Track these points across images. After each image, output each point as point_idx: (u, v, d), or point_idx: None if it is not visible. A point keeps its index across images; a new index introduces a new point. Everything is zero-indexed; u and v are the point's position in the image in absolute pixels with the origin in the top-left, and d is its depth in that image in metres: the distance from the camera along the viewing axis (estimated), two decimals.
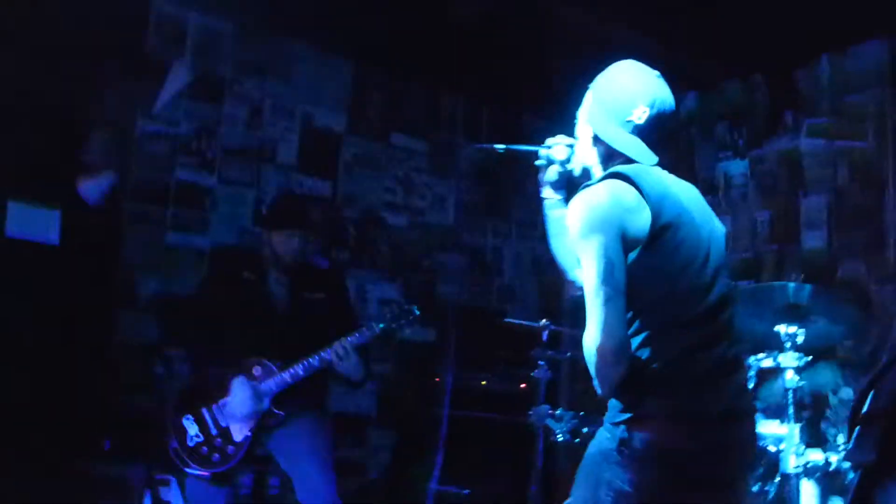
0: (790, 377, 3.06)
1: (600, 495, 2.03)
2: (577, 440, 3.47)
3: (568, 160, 2.44)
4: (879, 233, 4.57)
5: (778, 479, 3.03)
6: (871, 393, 2.13)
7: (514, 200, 5.47)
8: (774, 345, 3.16)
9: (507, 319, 4.15)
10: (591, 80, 2.33)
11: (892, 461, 2.03)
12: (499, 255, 5.56)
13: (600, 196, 2.09)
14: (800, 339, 3.13)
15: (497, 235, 5.57)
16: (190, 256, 4.62)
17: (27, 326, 3.87)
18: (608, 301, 1.99)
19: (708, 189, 5.22)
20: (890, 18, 4.27)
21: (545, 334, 3.97)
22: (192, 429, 3.46)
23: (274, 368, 3.50)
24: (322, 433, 3.58)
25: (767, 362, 3.19)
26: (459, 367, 4.29)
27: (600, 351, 1.98)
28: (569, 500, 2.11)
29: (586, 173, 2.35)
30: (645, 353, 2.05)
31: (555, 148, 2.47)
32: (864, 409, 2.12)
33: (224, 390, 3.47)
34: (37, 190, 4.11)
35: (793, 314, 3.23)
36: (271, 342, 3.54)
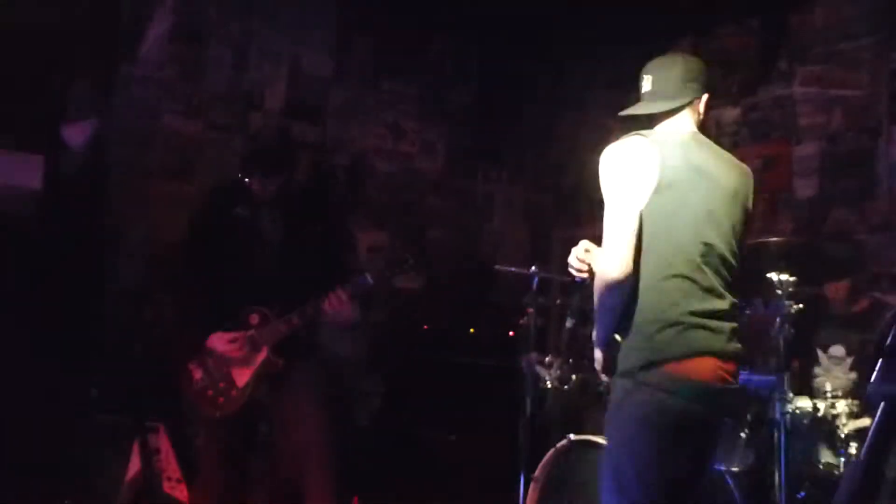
0: (781, 325, 3.06)
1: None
2: (566, 386, 3.48)
3: None
4: (871, 180, 4.56)
5: (766, 425, 3.05)
6: (894, 327, 2.20)
7: (506, 145, 5.41)
8: (766, 293, 3.15)
9: (496, 266, 4.13)
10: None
11: None
12: (489, 201, 5.52)
13: (620, 150, 2.34)
14: (792, 288, 3.11)
15: (487, 181, 5.52)
16: (176, 203, 4.57)
17: (11, 274, 3.85)
18: (622, 237, 2.21)
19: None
20: None
21: (535, 281, 3.96)
22: (197, 373, 3.47)
23: (271, 317, 3.49)
24: (318, 382, 3.59)
25: (759, 310, 3.18)
26: (448, 314, 4.28)
27: (608, 279, 2.21)
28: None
29: None
30: (646, 300, 2.24)
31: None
32: (888, 342, 2.19)
33: (223, 339, 3.47)
34: (18, 136, 4.05)
35: (785, 264, 3.22)
36: (267, 285, 3.51)
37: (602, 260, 2.26)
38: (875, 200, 4.51)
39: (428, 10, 4.99)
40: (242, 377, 3.49)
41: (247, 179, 3.66)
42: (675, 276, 2.24)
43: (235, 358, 3.47)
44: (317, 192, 3.90)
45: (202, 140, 4.70)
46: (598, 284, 2.25)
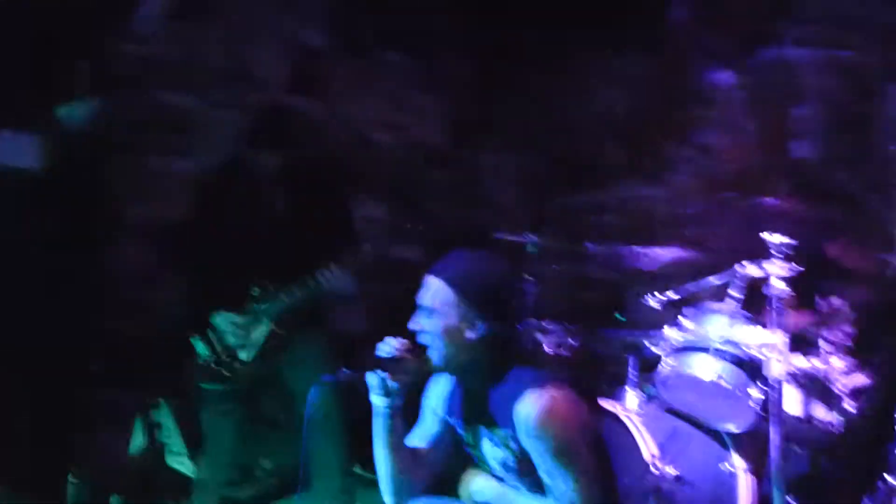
0: (778, 285, 3.07)
1: None
2: (566, 353, 3.51)
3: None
4: (869, 142, 4.55)
5: (762, 383, 3.07)
6: None
7: (504, 114, 5.38)
8: (762, 254, 3.16)
9: (496, 235, 4.14)
10: None
11: None
12: (487, 171, 5.50)
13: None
14: (787, 249, 3.12)
15: (486, 150, 5.49)
16: (174, 181, 4.57)
17: (12, 255, 3.86)
18: None
19: (697, 99, 5.17)
20: None
21: (532, 248, 3.97)
22: (201, 348, 3.52)
23: (273, 290, 3.53)
24: (322, 353, 3.63)
25: (754, 271, 3.19)
26: None
27: None
28: None
29: None
30: None
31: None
32: None
33: (227, 313, 3.50)
34: (15, 115, 4.04)
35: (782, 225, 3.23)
36: (269, 259, 3.54)
37: None
38: (871, 161, 4.51)
39: None
40: (247, 351, 3.53)
41: (247, 155, 3.68)
42: None
43: (240, 332, 3.51)
44: (316, 165, 3.91)
45: (201, 117, 4.69)
46: None
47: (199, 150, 4.63)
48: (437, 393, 2.63)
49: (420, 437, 2.63)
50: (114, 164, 4.41)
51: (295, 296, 3.55)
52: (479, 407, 2.48)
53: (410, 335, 2.45)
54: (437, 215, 4.68)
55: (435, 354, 2.42)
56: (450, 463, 2.53)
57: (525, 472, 2.43)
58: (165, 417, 3.92)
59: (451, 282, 2.40)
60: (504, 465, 2.47)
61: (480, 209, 5.18)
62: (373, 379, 2.45)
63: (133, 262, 4.35)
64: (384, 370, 2.41)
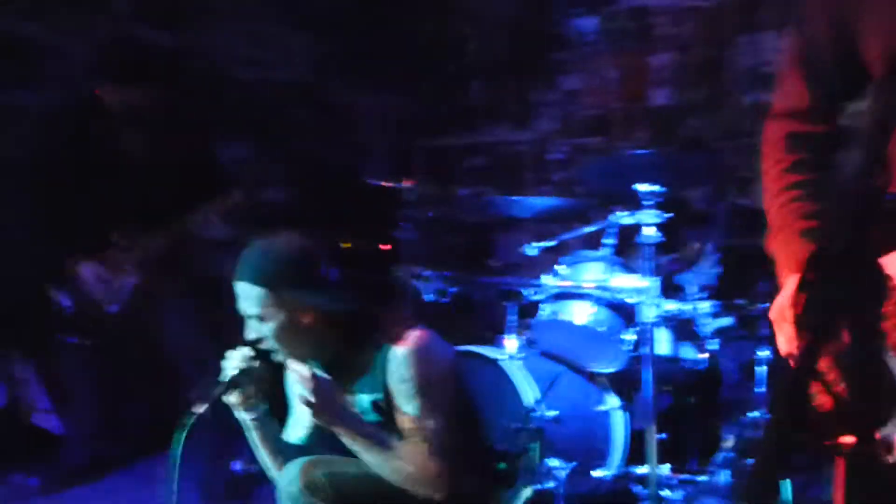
0: (650, 233, 3.19)
1: None
2: (445, 300, 3.53)
3: None
4: (722, 89, 4.78)
5: (635, 327, 3.21)
6: None
7: (372, 53, 5.28)
8: (634, 203, 3.27)
9: (368, 181, 4.09)
10: None
11: None
12: (358, 112, 5.39)
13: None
14: (658, 197, 3.24)
15: (357, 91, 5.37)
16: (15, 115, 4.24)
17: None
18: None
19: (560, 46, 5.25)
20: None
21: (407, 194, 3.95)
22: (63, 299, 3.31)
23: (138, 238, 3.36)
24: (193, 301, 3.51)
25: (627, 220, 3.31)
26: (319, 229, 4.22)
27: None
28: None
29: None
30: None
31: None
32: None
33: (87, 261, 3.32)
34: None
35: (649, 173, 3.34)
36: (131, 204, 3.37)
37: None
38: (724, 109, 4.74)
39: None
40: (112, 300, 3.38)
41: (98, 91, 3.46)
42: None
43: (103, 281, 3.35)
44: (175, 103, 3.72)
45: (44, 46, 4.35)
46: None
47: (47, 84, 4.31)
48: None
49: (296, 429, 2.60)
50: None
51: (160, 242, 3.40)
52: (348, 373, 2.48)
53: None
54: (305, 157, 4.57)
55: (282, 354, 2.38)
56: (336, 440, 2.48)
57: (394, 427, 2.45)
58: (28, 372, 3.70)
59: (258, 281, 2.34)
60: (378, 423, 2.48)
61: (350, 151, 5.10)
62: (230, 398, 2.38)
63: None
64: (237, 386, 2.35)
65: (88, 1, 4.48)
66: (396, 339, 2.42)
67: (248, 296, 2.35)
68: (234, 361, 2.35)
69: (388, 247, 4.09)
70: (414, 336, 2.43)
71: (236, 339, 2.43)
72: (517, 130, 5.23)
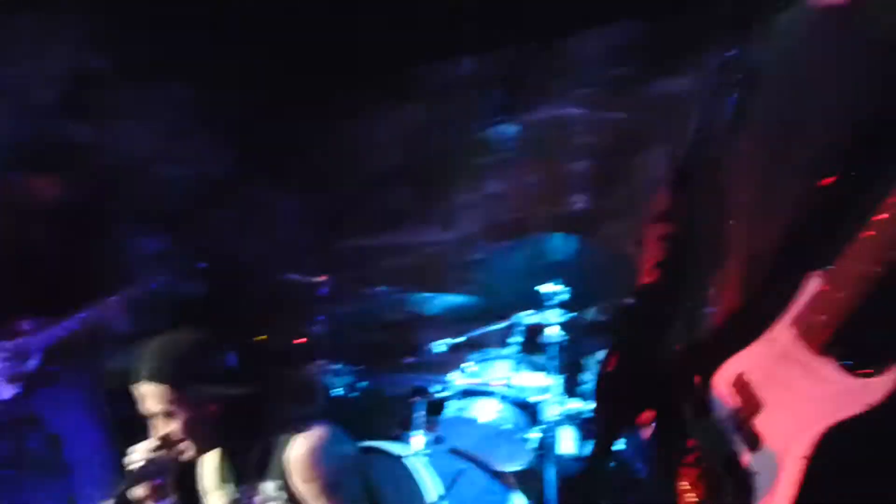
0: (554, 332, 3.26)
1: None
2: (355, 394, 3.53)
3: None
4: (635, 196, 4.94)
5: (540, 424, 3.24)
6: None
7: (292, 152, 5.37)
8: (539, 303, 3.34)
9: (286, 276, 4.11)
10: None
11: None
12: (273, 210, 5.44)
13: None
14: (562, 297, 3.32)
15: (272, 189, 5.43)
16: None
17: None
18: None
19: (483, 151, 5.41)
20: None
21: (324, 289, 3.98)
22: None
23: (43, 323, 3.32)
24: (96, 390, 3.44)
25: (533, 318, 3.38)
26: (234, 323, 4.20)
27: None
28: None
29: None
30: None
31: None
32: None
33: None
34: None
35: (556, 271, 3.43)
36: (39, 291, 3.33)
37: None
38: (639, 215, 4.89)
39: (211, 10, 4.87)
40: (9, 388, 3.30)
41: (11, 181, 3.47)
42: None
43: (2, 367, 3.28)
44: (91, 196, 3.73)
45: None
46: None
47: None
48: (209, 469, 2.57)
49: None
50: None
51: (67, 329, 3.36)
52: (252, 461, 2.46)
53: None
54: (221, 252, 4.57)
55: (192, 449, 2.37)
56: None
57: None
58: None
59: (155, 378, 2.34)
60: None
61: (268, 247, 5.12)
62: (137, 491, 2.35)
63: None
64: (143, 479, 2.33)
65: (2, 93, 4.49)
66: (299, 432, 2.41)
67: (148, 396, 2.33)
68: (139, 454, 2.32)
69: (302, 340, 4.08)
70: (316, 432, 2.42)
71: (140, 437, 2.40)
72: (439, 231, 5.32)
